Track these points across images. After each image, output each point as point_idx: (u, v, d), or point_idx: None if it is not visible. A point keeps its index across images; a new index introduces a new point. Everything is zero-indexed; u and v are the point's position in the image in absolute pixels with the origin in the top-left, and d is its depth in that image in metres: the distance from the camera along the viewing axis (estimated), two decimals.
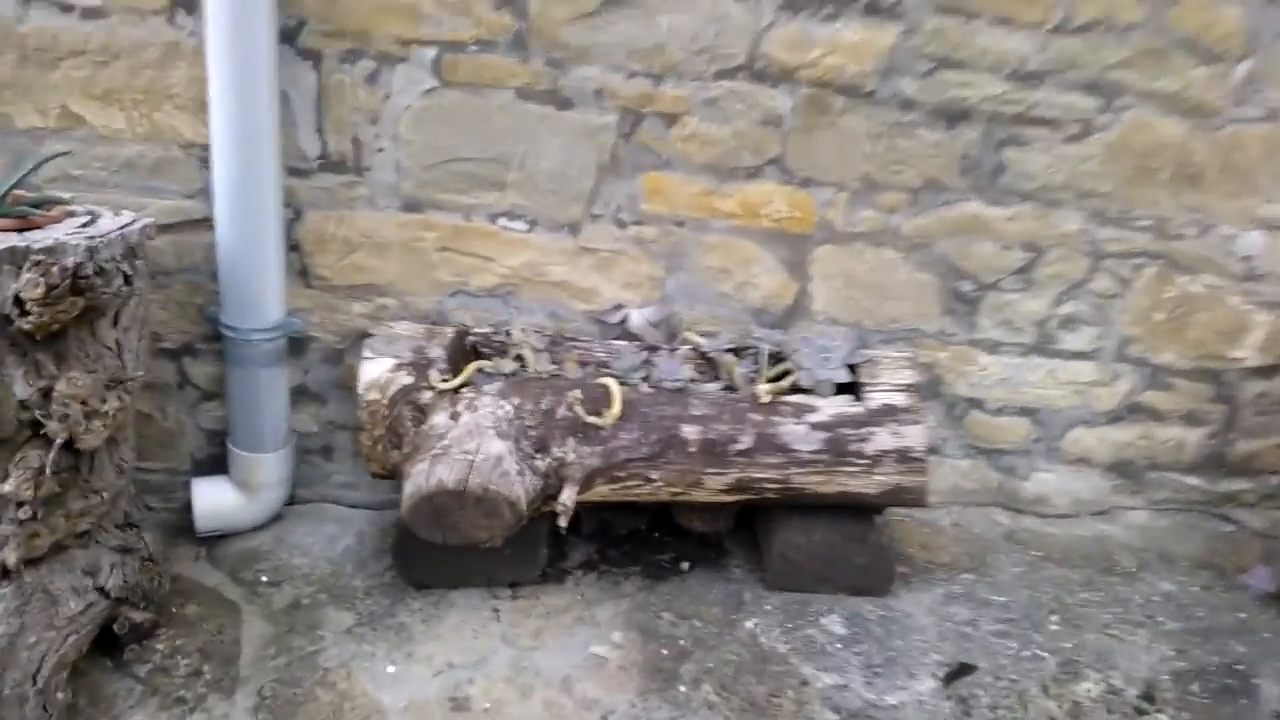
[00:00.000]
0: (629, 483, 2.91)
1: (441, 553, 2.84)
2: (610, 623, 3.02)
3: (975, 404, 3.59)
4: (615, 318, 3.27)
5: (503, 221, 3.07)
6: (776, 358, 3.13)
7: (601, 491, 2.91)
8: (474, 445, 2.69)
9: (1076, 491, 3.72)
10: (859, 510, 2.89)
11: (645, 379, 3.00)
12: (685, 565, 3.31)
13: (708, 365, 3.13)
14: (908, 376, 3.02)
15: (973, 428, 3.62)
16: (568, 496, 2.72)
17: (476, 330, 3.14)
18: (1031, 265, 3.22)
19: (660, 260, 3.26)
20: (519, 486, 2.69)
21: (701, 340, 3.18)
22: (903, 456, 2.91)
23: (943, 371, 3.49)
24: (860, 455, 2.91)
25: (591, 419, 2.77)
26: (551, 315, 3.35)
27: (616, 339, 3.20)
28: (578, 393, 2.73)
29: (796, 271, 3.17)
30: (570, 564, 3.30)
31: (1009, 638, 3.06)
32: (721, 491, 2.95)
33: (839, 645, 2.97)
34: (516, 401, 2.81)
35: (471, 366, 2.93)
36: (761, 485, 2.94)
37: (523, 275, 3.28)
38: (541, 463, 2.75)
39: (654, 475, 2.90)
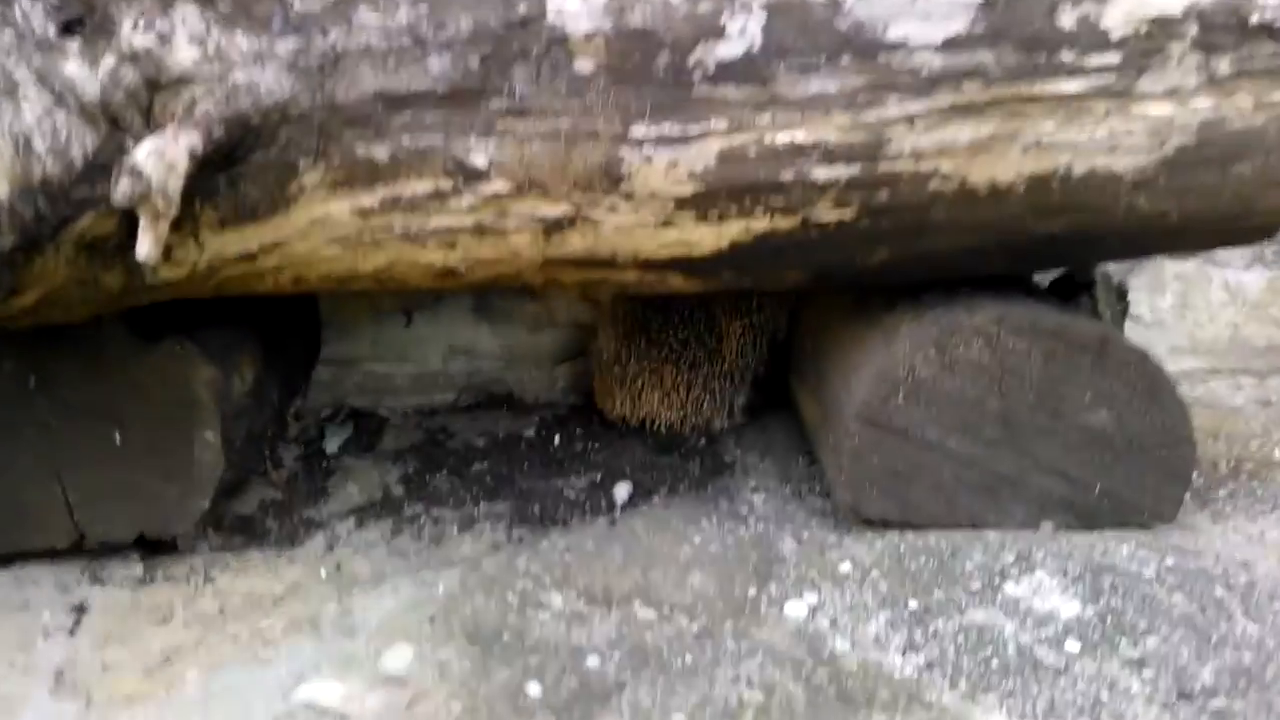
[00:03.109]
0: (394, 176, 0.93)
1: None
2: (395, 624, 0.98)
3: None
4: None
5: None
6: None
7: (323, 213, 0.96)
8: None
9: None
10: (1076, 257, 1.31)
11: None
12: (621, 494, 1.26)
13: None
14: None
15: None
16: (150, 157, 0.74)
17: None
18: None
19: None
20: None
21: None
22: None
23: None
24: None
25: None
26: None
27: None
28: None
29: None
30: (335, 507, 1.28)
31: None
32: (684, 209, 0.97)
33: (1074, 645, 0.92)
34: None
35: None
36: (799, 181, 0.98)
37: None
38: (86, 64, 0.76)
39: (475, 146, 0.92)
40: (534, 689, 1.02)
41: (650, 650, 1.07)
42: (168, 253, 1.04)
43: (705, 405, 1.49)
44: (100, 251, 1.00)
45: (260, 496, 1.40)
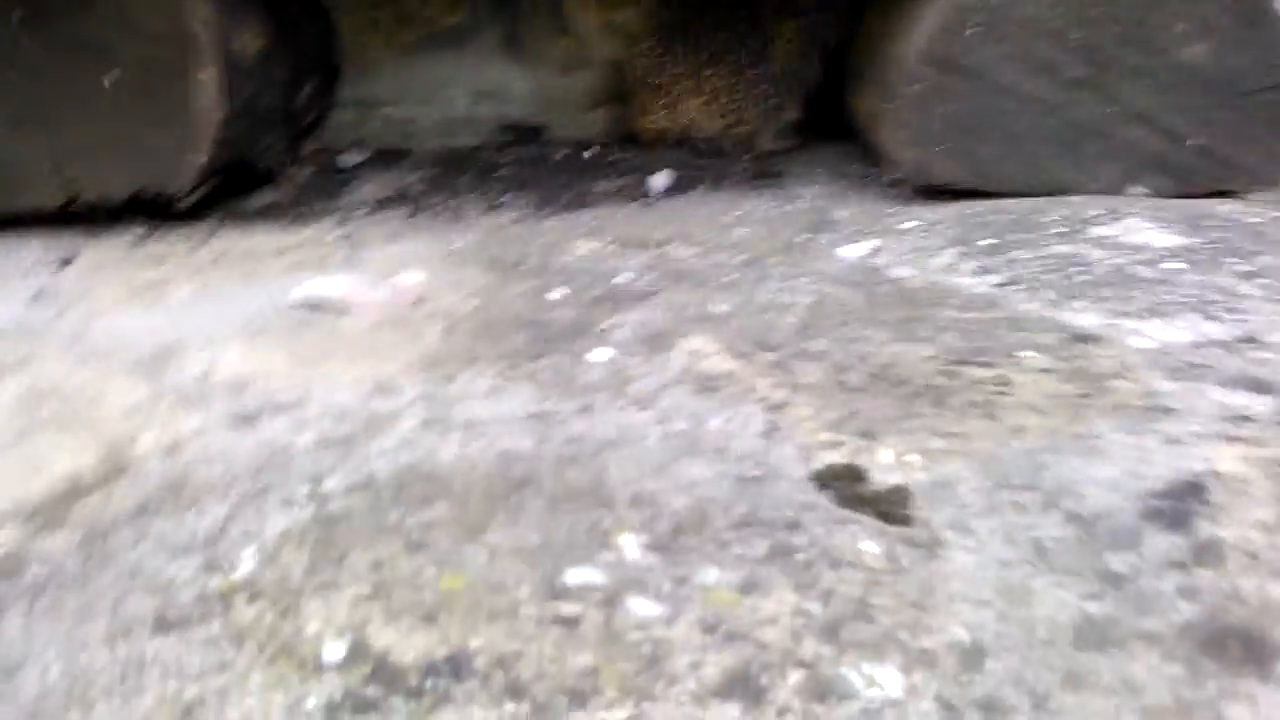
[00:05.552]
0: None
1: None
2: (408, 258, 0.86)
3: None
4: None
5: None
6: None
7: None
8: None
9: None
10: None
11: None
12: (659, 182, 1.13)
13: None
14: None
15: None
16: None
17: None
18: None
19: None
20: None
21: None
22: None
23: None
24: None
25: None
26: None
27: None
28: None
29: None
30: (350, 201, 1.15)
31: None
32: None
33: (1175, 264, 0.78)
34: None
35: None
36: None
37: None
38: None
39: None
40: (556, 295, 0.90)
41: (687, 272, 0.95)
42: None
43: (750, 113, 1.36)
44: None
45: (270, 198, 1.29)
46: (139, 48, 1.08)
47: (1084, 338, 0.81)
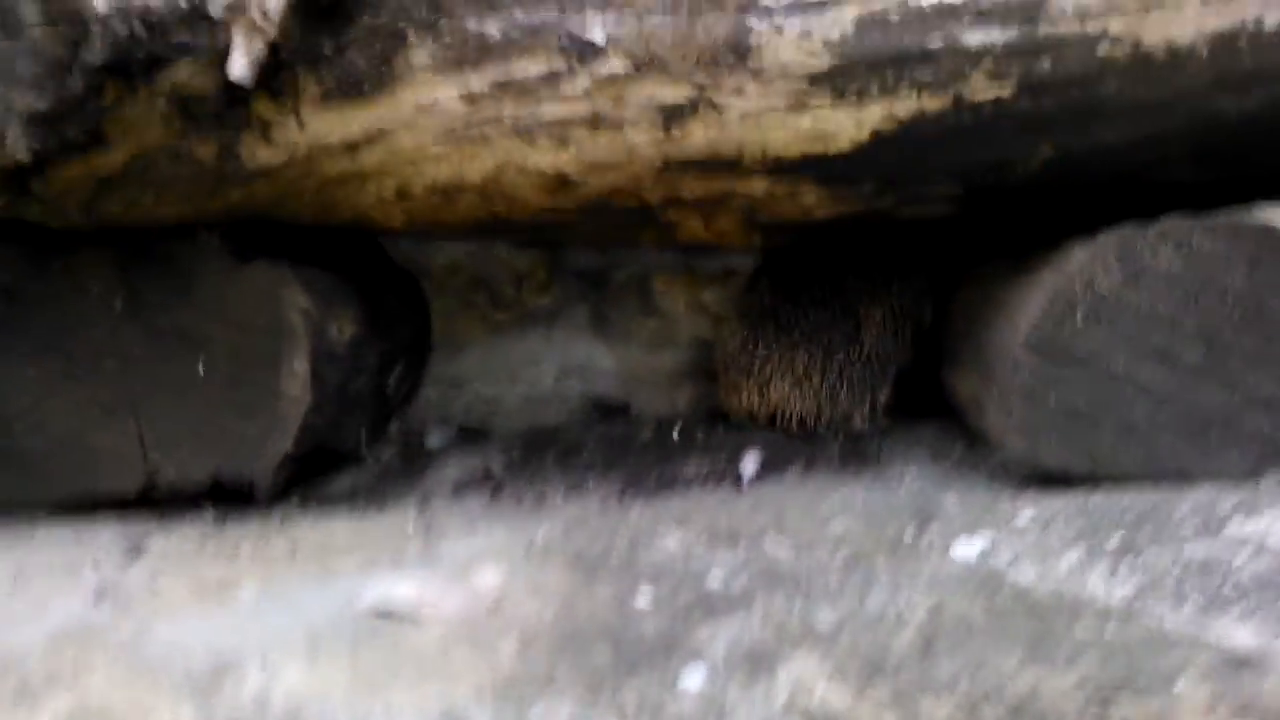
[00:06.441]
0: None
1: None
2: (486, 554, 0.82)
3: None
4: None
5: None
6: None
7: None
8: None
9: None
10: None
11: None
12: (749, 466, 1.10)
13: None
14: None
15: None
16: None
17: None
18: None
19: None
20: None
21: None
22: None
23: None
24: None
25: None
26: None
27: None
28: None
29: None
30: (431, 484, 1.13)
31: None
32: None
33: None
34: None
35: None
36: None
37: None
38: None
39: None
40: (643, 601, 0.82)
41: (785, 573, 0.87)
42: (267, 131, 0.96)
43: (842, 396, 1.31)
44: (195, 116, 0.92)
45: (351, 482, 1.26)
46: (233, 337, 1.08)
47: (1242, 661, 0.70)
